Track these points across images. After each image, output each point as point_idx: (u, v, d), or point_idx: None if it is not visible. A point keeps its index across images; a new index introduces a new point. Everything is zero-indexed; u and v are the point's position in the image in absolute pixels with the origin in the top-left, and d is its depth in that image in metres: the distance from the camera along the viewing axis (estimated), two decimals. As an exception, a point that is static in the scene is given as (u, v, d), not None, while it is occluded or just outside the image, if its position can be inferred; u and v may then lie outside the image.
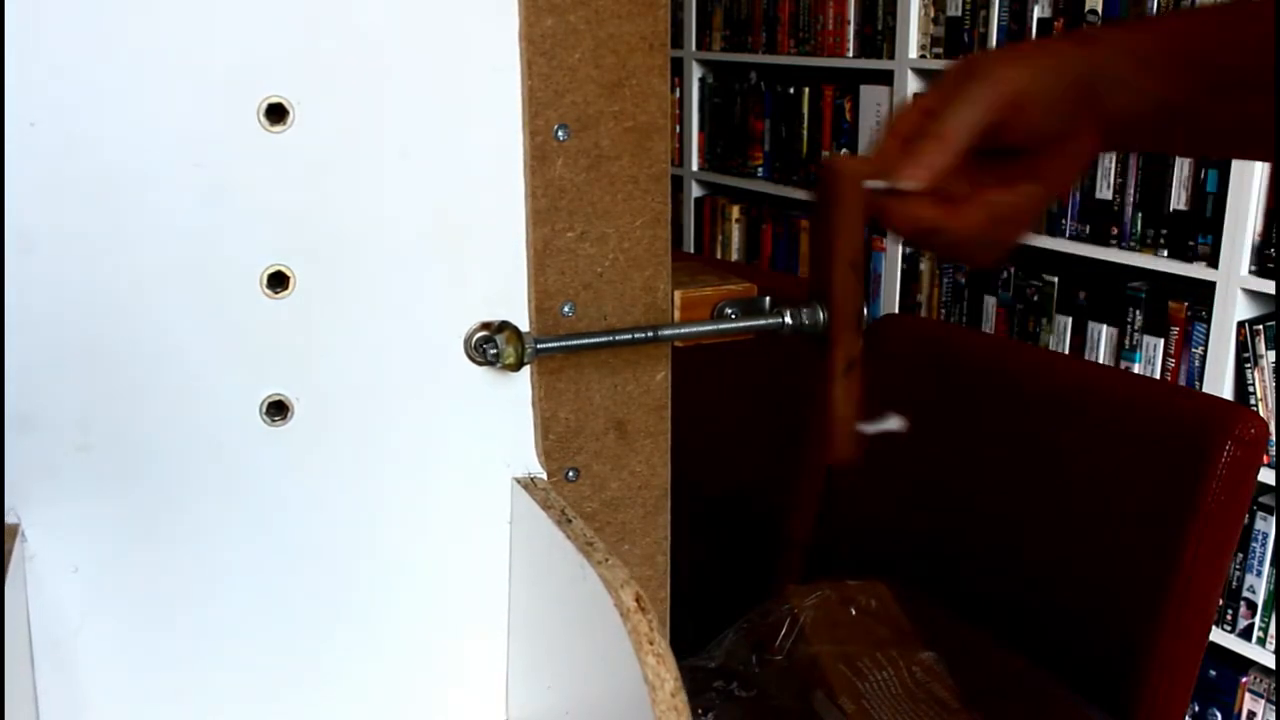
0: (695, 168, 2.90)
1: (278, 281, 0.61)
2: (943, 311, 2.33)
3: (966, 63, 0.60)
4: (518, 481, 0.67)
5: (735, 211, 2.83)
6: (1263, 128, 0.56)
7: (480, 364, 0.64)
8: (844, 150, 2.48)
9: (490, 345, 0.64)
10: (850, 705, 0.89)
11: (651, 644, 0.52)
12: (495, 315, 0.65)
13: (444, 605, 0.68)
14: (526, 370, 0.66)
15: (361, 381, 0.63)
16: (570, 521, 0.61)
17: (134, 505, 0.60)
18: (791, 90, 2.61)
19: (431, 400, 0.65)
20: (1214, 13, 0.59)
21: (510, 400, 0.67)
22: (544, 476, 0.68)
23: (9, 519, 0.58)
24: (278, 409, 0.62)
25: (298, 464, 0.63)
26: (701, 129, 2.88)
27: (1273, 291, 1.81)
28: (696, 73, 2.87)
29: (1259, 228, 1.80)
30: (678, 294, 0.69)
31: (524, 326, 0.66)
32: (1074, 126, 0.59)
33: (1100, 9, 1.96)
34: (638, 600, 0.54)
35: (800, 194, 2.58)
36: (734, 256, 2.85)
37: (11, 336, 0.56)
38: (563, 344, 0.65)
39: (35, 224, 0.56)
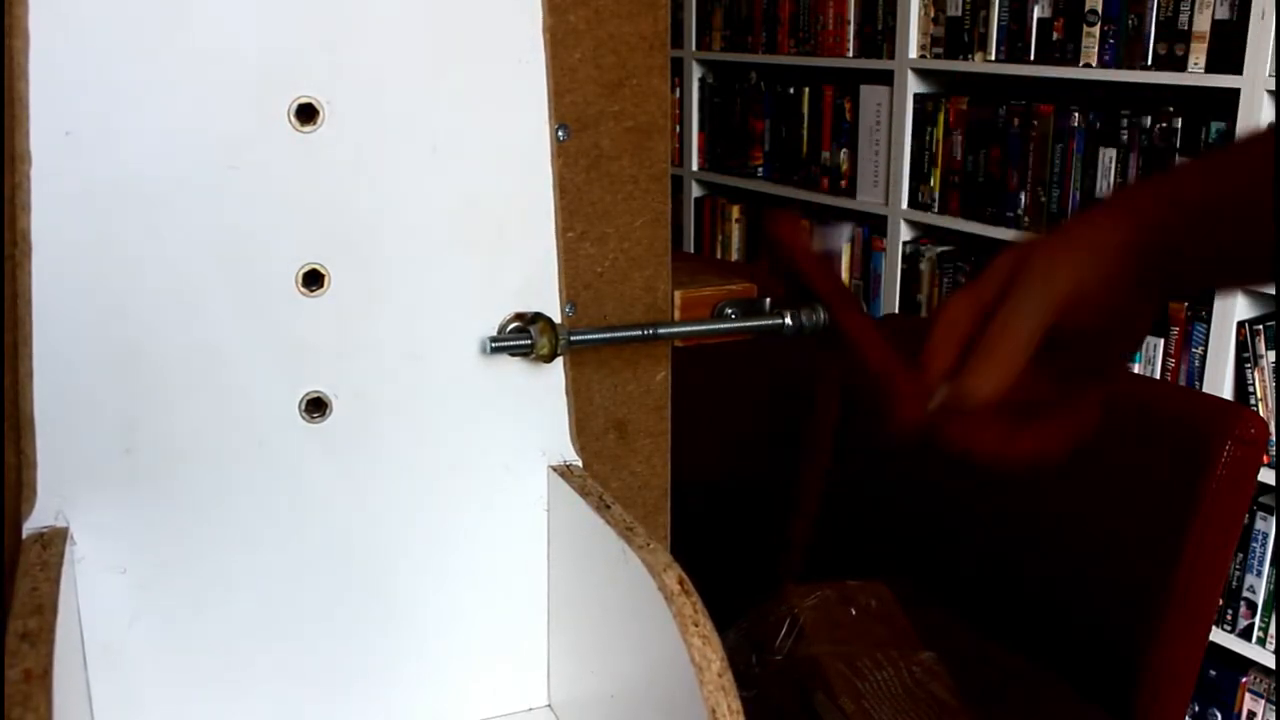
0: (695, 168, 2.90)
1: (313, 280, 0.61)
2: (943, 311, 2.33)
3: (1018, 258, 0.55)
4: (554, 469, 0.67)
5: (735, 211, 2.83)
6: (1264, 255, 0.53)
7: (514, 355, 0.65)
8: (845, 150, 2.48)
9: (524, 336, 0.64)
10: (850, 705, 0.89)
11: (697, 625, 0.52)
12: (528, 306, 0.65)
13: (484, 593, 0.69)
14: (559, 361, 0.67)
15: (398, 375, 0.64)
16: (609, 507, 0.61)
17: (178, 506, 0.61)
18: (791, 90, 2.61)
19: (467, 392, 0.65)
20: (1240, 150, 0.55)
21: (545, 390, 0.67)
22: (579, 464, 0.68)
23: (58, 523, 0.58)
24: (317, 405, 0.63)
25: (338, 459, 0.63)
26: (701, 129, 2.88)
27: (1273, 291, 1.81)
28: (696, 73, 2.87)
29: (1259, 228, 1.80)
30: (678, 294, 0.70)
31: (555, 318, 0.66)
32: (1135, 305, 0.55)
33: (1100, 9, 1.95)
34: (680, 583, 0.54)
35: (800, 194, 2.58)
36: (734, 256, 2.85)
37: (54, 343, 0.56)
38: (597, 336, 0.66)
39: (73, 231, 0.56)
